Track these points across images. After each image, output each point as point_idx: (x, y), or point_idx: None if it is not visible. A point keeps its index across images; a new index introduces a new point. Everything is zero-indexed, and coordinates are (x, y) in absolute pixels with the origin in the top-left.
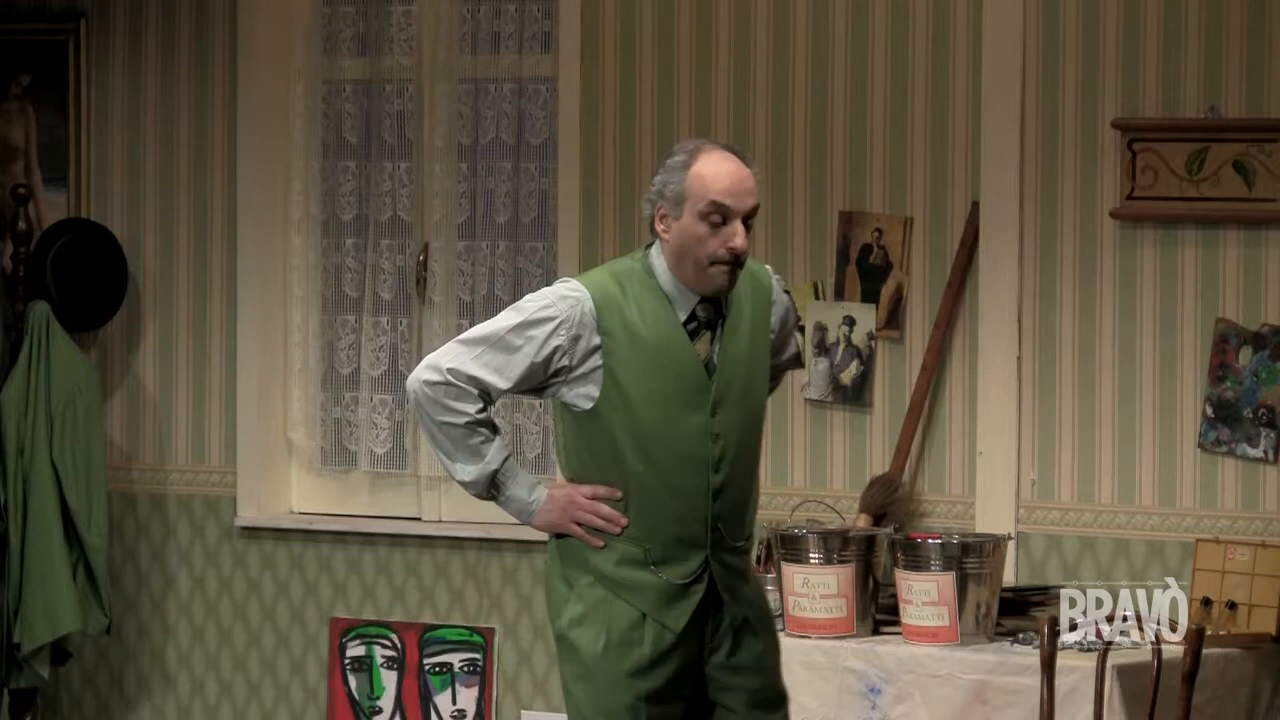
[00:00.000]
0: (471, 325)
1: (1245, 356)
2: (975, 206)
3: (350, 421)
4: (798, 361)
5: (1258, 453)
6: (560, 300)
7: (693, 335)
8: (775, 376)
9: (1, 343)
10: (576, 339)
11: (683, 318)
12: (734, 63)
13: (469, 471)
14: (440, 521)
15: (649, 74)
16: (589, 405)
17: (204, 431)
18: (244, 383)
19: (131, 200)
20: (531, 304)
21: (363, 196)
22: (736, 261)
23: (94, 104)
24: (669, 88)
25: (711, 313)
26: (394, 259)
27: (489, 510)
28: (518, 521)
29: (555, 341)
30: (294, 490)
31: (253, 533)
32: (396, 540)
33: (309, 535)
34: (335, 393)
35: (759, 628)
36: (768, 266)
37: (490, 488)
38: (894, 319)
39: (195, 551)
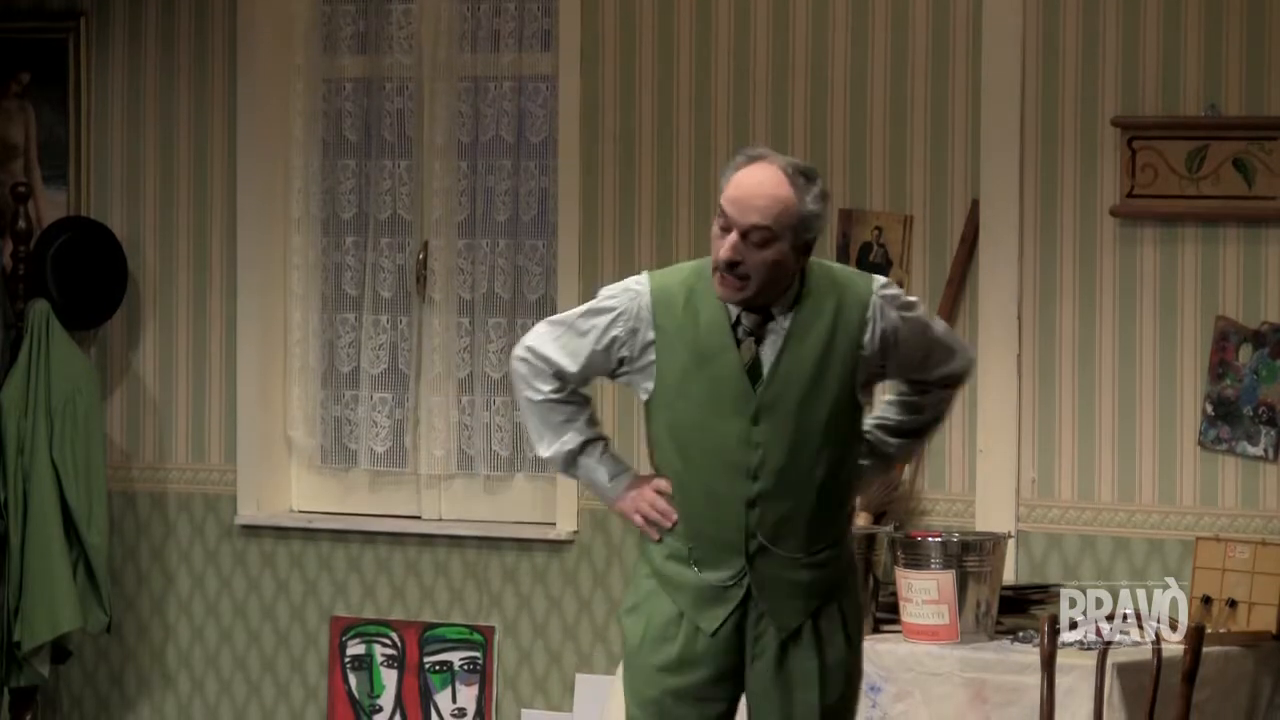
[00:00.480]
0: (471, 324)
1: (1245, 354)
2: (975, 204)
3: (350, 420)
4: (953, 379)
5: (1258, 451)
6: (624, 292)
7: (740, 340)
8: (922, 392)
9: (1, 341)
10: (634, 331)
11: (734, 317)
12: (734, 61)
13: (548, 448)
14: (440, 520)
15: (649, 72)
16: (645, 398)
17: (204, 430)
18: (244, 381)
19: (131, 198)
20: (604, 292)
21: (363, 195)
22: (733, 271)
23: (94, 102)
24: (669, 86)
25: (755, 321)
26: (394, 257)
27: (489, 509)
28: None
29: (614, 332)
30: (294, 489)
31: (253, 531)
32: (396, 539)
33: (309, 534)
34: (335, 391)
35: (819, 648)
36: (880, 280)
37: (569, 466)
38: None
39: (195, 550)
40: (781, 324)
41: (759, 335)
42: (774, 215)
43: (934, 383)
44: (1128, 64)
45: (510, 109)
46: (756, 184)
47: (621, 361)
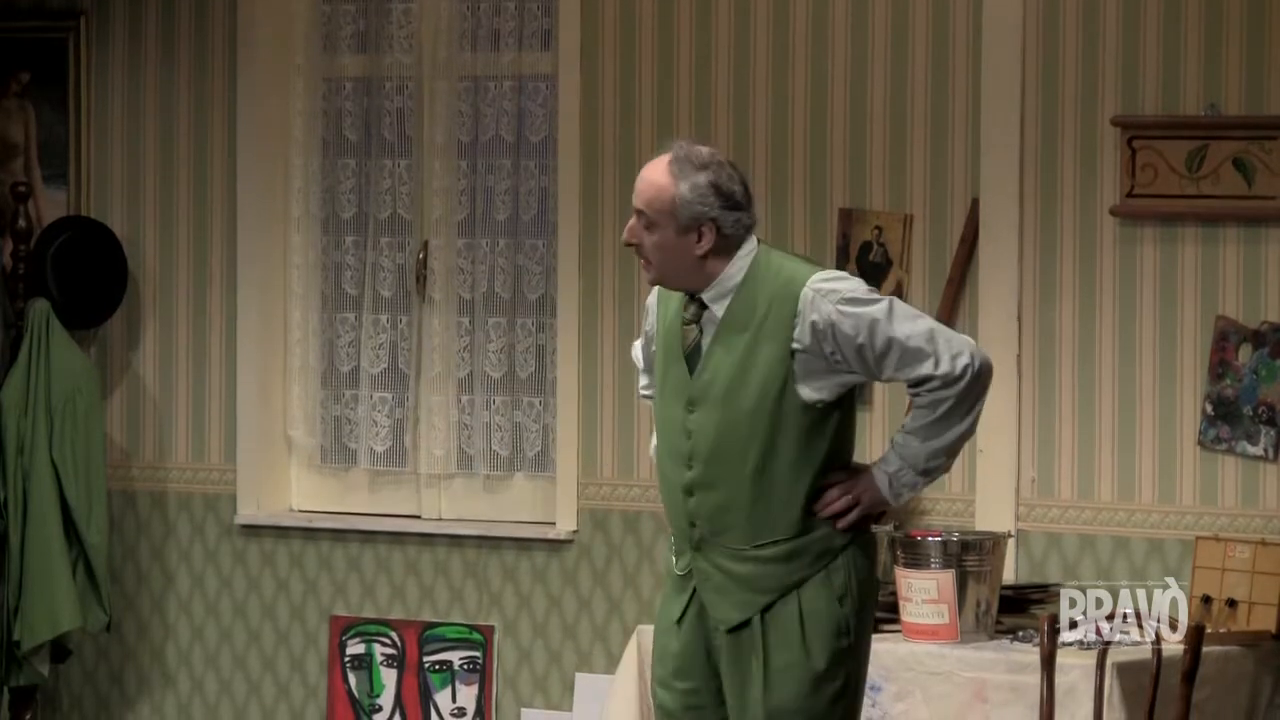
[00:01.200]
0: (471, 323)
1: (1245, 354)
2: (975, 204)
3: (350, 419)
4: (926, 382)
5: (1257, 450)
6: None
7: (685, 324)
8: (912, 394)
9: (1, 341)
10: (652, 315)
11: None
12: (734, 60)
13: None
14: (440, 519)
15: (649, 71)
16: None
17: (204, 429)
18: (244, 380)
19: (131, 198)
20: None
21: (363, 194)
22: (637, 254)
23: (94, 101)
24: (668, 85)
25: (694, 311)
26: (394, 257)
27: (489, 508)
28: None
29: (646, 327)
30: (294, 488)
31: (252, 530)
32: (396, 538)
33: (309, 533)
34: (335, 390)
35: (765, 647)
36: (823, 274)
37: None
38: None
39: (195, 549)
40: (715, 313)
41: (698, 323)
42: (647, 200)
43: (911, 384)
44: (1128, 63)
45: (510, 108)
46: (645, 172)
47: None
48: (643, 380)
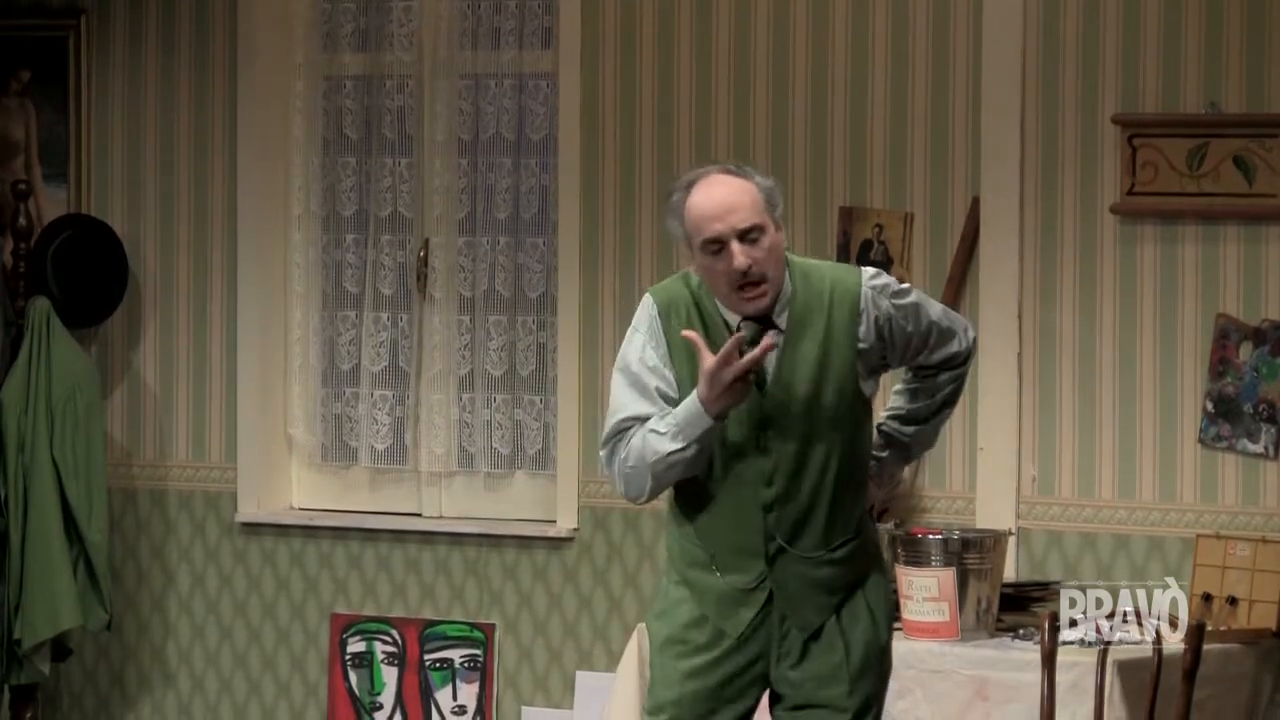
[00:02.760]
0: (472, 321)
1: (1245, 352)
2: (975, 202)
3: (351, 417)
4: (955, 361)
5: (1258, 448)
6: (640, 314)
7: (741, 351)
8: (926, 377)
9: (2, 339)
10: (657, 347)
11: (734, 323)
12: (734, 58)
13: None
14: (441, 517)
15: (649, 70)
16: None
17: (204, 427)
18: (244, 379)
19: (131, 196)
20: (627, 339)
21: (363, 192)
22: (750, 279)
23: (94, 100)
24: (669, 83)
25: (755, 330)
26: (394, 255)
27: (489, 506)
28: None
29: (650, 353)
30: (294, 486)
31: (253, 529)
32: (397, 536)
33: (309, 531)
34: (336, 389)
35: (845, 641)
36: (869, 271)
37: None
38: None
39: (196, 548)
40: (779, 326)
41: (757, 340)
42: (749, 207)
43: (936, 365)
44: (1128, 61)
45: (511, 106)
46: (723, 193)
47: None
48: (658, 425)
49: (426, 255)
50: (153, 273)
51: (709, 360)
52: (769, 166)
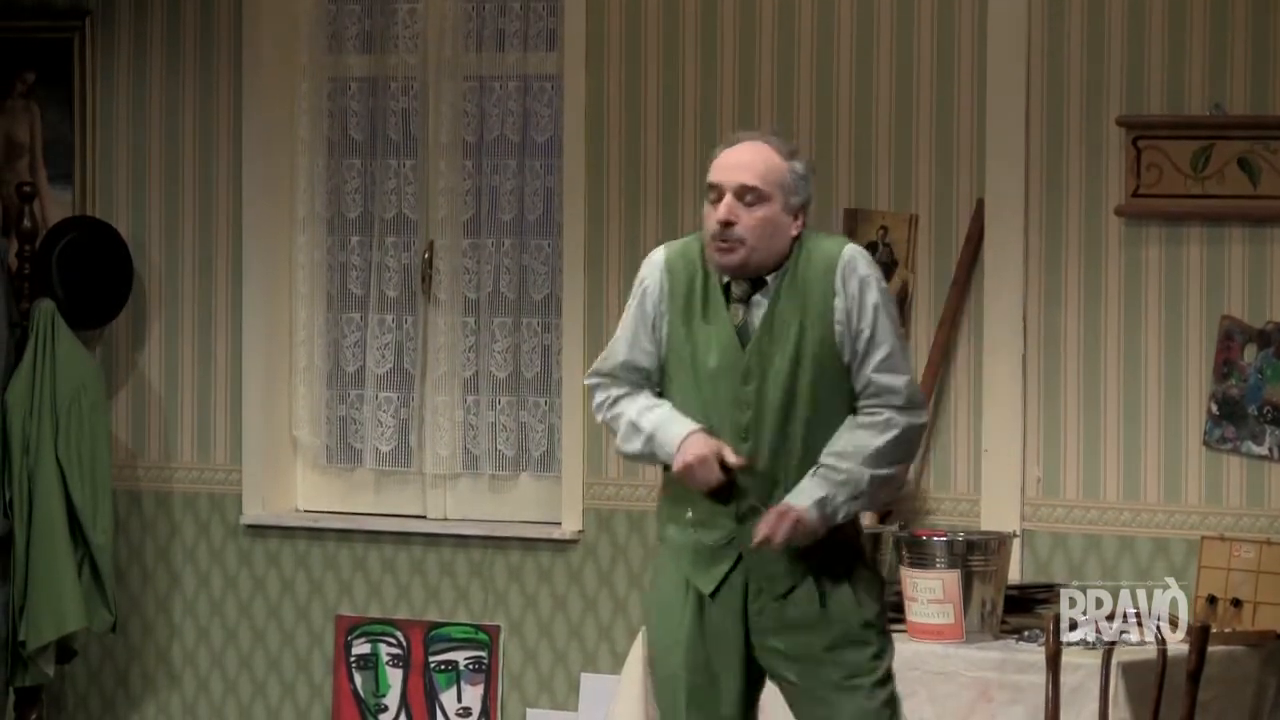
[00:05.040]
0: (477, 323)
1: (1250, 354)
2: (980, 204)
3: (355, 419)
4: (889, 392)
5: (1262, 450)
6: (646, 265)
7: (730, 302)
8: (861, 408)
9: (7, 340)
10: (658, 299)
11: (725, 281)
12: (739, 61)
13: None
14: (445, 519)
15: (654, 71)
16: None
17: (209, 429)
18: (249, 380)
19: (136, 198)
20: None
21: (368, 194)
22: (726, 236)
23: (99, 101)
24: (674, 85)
25: (745, 289)
26: (399, 256)
27: (494, 508)
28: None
29: (648, 305)
30: (299, 488)
31: (258, 530)
32: (402, 538)
33: (314, 533)
34: (340, 390)
35: (821, 596)
36: (851, 247)
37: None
38: (899, 316)
39: (200, 549)
40: (769, 290)
41: (748, 300)
42: (761, 174)
43: (874, 392)
44: (1133, 63)
45: (515, 108)
46: (739, 152)
47: (655, 330)
48: (641, 358)
49: (431, 257)
50: (157, 274)
51: (700, 449)
52: None
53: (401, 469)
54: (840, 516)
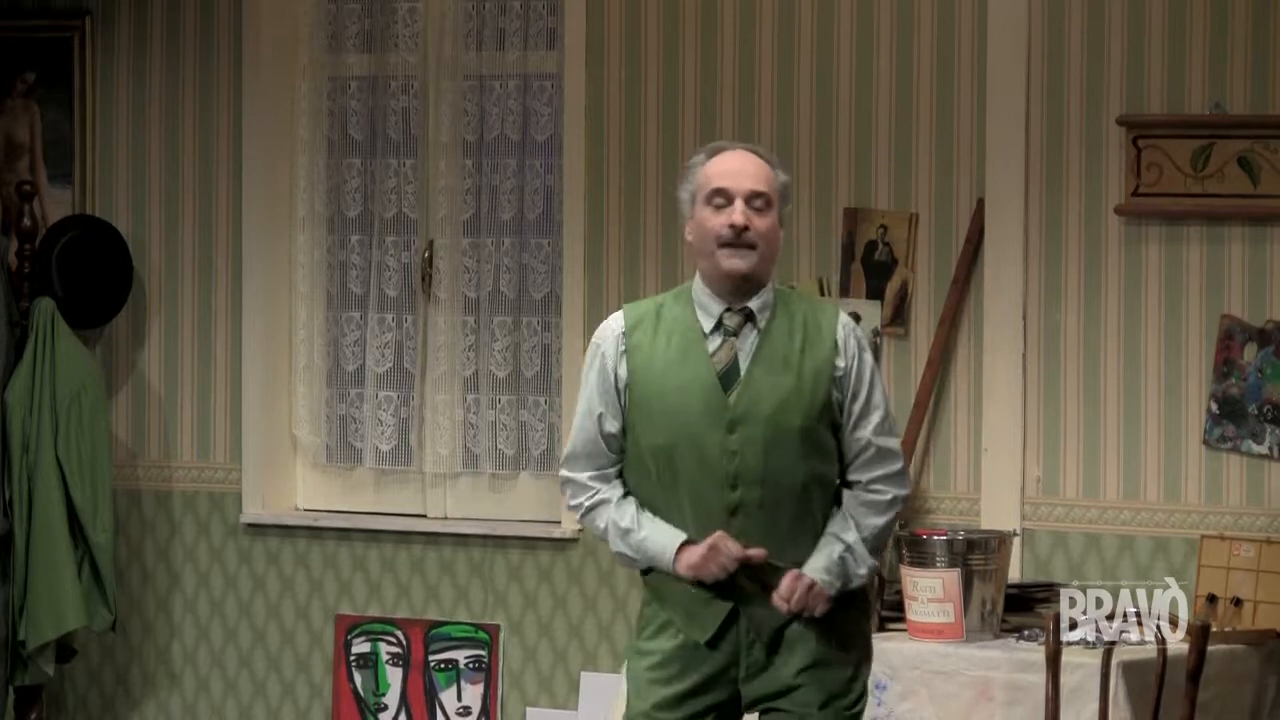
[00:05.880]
0: (476, 322)
1: (1250, 353)
2: (980, 203)
3: (355, 418)
4: (888, 478)
5: (1263, 449)
6: (601, 331)
7: (716, 349)
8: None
9: (6, 339)
10: (618, 356)
11: (709, 326)
12: (739, 59)
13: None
14: (445, 518)
15: (654, 70)
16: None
17: (209, 428)
18: (249, 379)
19: (136, 197)
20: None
21: (368, 193)
22: (740, 240)
23: (99, 101)
24: (674, 84)
25: (739, 321)
26: (399, 256)
27: (494, 507)
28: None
29: (608, 366)
30: (299, 487)
31: (258, 529)
32: (402, 537)
33: (314, 532)
34: (340, 389)
35: (808, 651)
36: (845, 316)
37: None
38: (899, 316)
39: (200, 548)
40: (759, 324)
41: (740, 333)
42: (767, 181)
43: (872, 455)
44: (1133, 62)
45: (515, 107)
46: (742, 160)
47: (620, 392)
48: (612, 426)
49: (431, 256)
50: (157, 273)
51: (705, 551)
52: None
53: (401, 468)
54: (843, 590)
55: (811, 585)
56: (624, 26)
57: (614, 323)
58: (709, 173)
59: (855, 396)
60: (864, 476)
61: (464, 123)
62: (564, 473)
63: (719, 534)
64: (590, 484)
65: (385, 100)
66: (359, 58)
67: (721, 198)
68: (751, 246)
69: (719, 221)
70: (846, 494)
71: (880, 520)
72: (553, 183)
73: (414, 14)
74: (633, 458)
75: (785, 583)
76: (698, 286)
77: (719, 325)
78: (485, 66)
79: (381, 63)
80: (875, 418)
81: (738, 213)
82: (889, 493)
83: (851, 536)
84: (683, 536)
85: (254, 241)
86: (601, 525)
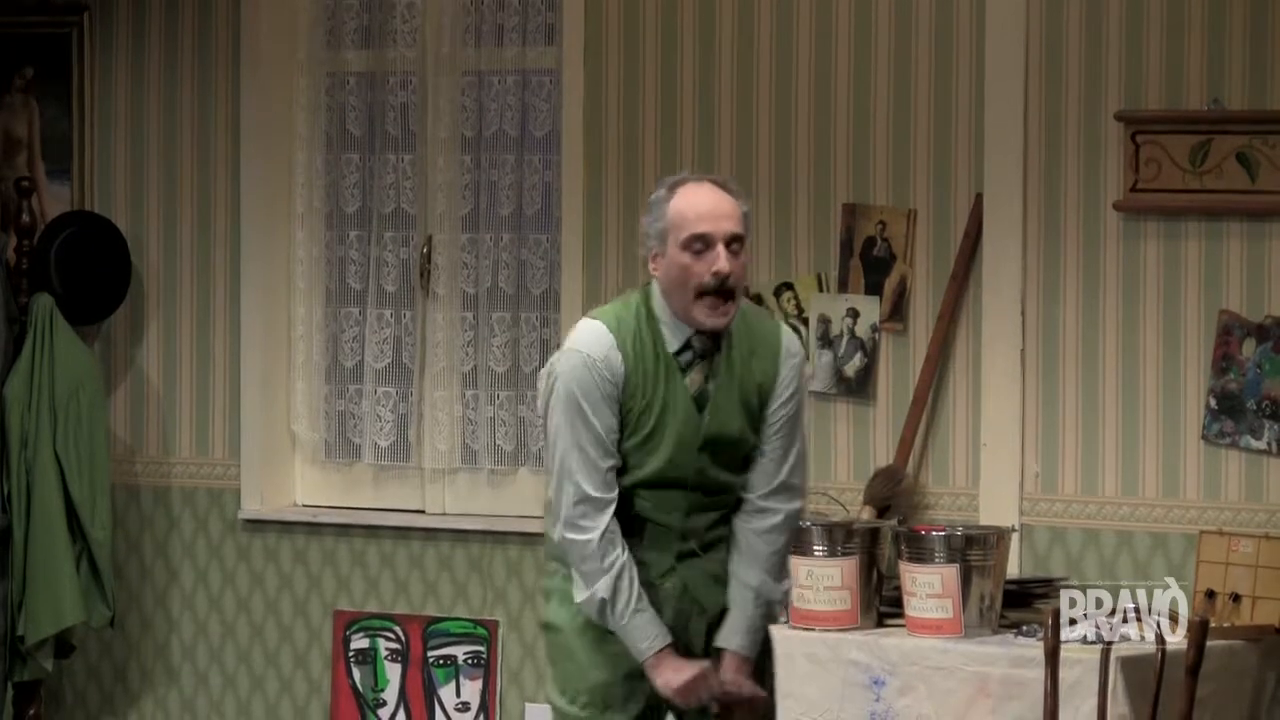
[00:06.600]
0: (475, 318)
1: (1249, 348)
2: (979, 199)
3: (354, 414)
4: (791, 488)
5: (1261, 445)
6: (587, 335)
7: (685, 367)
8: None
9: (5, 336)
10: (614, 372)
11: (675, 347)
12: (737, 55)
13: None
14: (444, 514)
15: (652, 66)
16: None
17: (208, 424)
18: (248, 375)
19: (135, 193)
20: (562, 368)
21: (366, 189)
22: (723, 289)
23: (97, 97)
24: (672, 80)
25: (707, 343)
26: (398, 252)
27: (493, 503)
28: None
29: (607, 385)
30: (298, 483)
31: (256, 525)
32: (400, 533)
33: (313, 528)
34: (339, 385)
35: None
36: (793, 340)
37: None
38: (898, 311)
39: (199, 544)
40: (719, 349)
41: (709, 356)
42: (741, 221)
43: (778, 491)
44: (1131, 58)
45: (514, 103)
46: (716, 198)
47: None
48: (608, 463)
49: (430, 252)
50: (156, 269)
51: (688, 676)
52: (772, 163)
53: (400, 464)
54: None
55: (749, 669)
56: (622, 22)
57: (599, 334)
58: (685, 215)
59: (784, 418)
60: (757, 489)
61: (462, 118)
62: (570, 534)
63: (708, 665)
64: (613, 537)
65: (384, 96)
66: (357, 53)
67: (700, 243)
68: (731, 295)
69: (700, 269)
70: (740, 525)
71: (783, 541)
72: (551, 178)
73: (412, 9)
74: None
75: (730, 679)
76: (660, 305)
77: (687, 346)
78: (484, 62)
79: (380, 58)
80: (797, 448)
81: (722, 260)
82: (777, 512)
83: (758, 578)
84: (665, 641)
85: (252, 237)
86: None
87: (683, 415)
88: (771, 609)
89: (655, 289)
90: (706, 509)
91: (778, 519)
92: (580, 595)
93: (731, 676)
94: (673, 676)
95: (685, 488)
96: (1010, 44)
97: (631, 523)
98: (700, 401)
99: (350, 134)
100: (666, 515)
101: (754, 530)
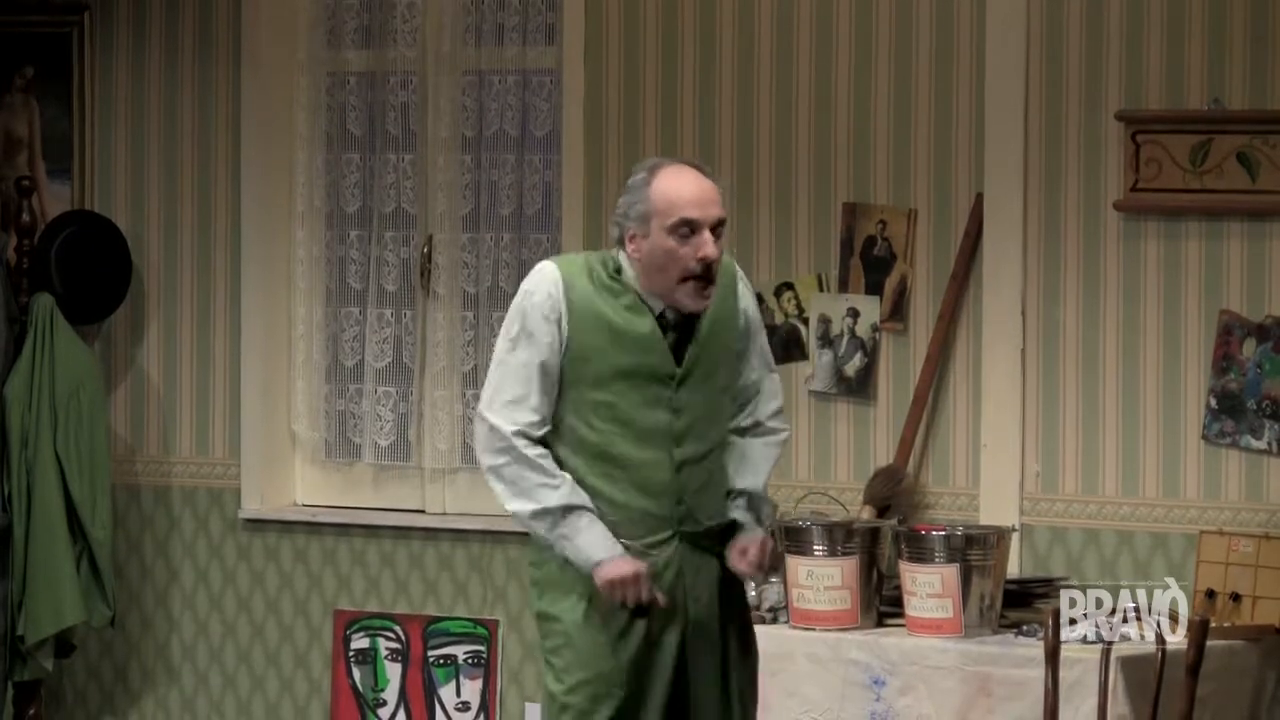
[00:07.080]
0: (475, 317)
1: (1249, 348)
2: (979, 198)
3: (354, 414)
4: (776, 415)
5: (1261, 444)
6: (535, 276)
7: (663, 327)
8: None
9: (5, 335)
10: (557, 310)
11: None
12: (738, 54)
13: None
14: (444, 514)
15: (653, 66)
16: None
17: (208, 424)
18: (248, 375)
19: (135, 193)
20: (515, 304)
21: (367, 189)
22: (708, 274)
23: (98, 96)
24: (673, 80)
25: (680, 318)
26: (398, 251)
27: (493, 503)
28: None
29: (549, 318)
30: (298, 482)
31: (257, 525)
32: (401, 532)
33: (313, 527)
34: (339, 385)
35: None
36: (733, 262)
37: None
38: (898, 311)
39: (199, 544)
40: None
41: (681, 328)
42: (722, 205)
43: (764, 388)
44: (1131, 57)
45: (514, 103)
46: (697, 182)
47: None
48: (537, 402)
49: (430, 251)
50: (156, 269)
51: (622, 571)
52: (773, 163)
53: (400, 463)
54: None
55: (771, 544)
56: (623, 21)
57: (547, 270)
58: (672, 200)
59: (754, 338)
60: (763, 414)
61: (463, 118)
62: (498, 421)
63: (648, 565)
64: (541, 432)
65: (384, 95)
66: (358, 53)
67: (687, 228)
68: (714, 280)
69: (687, 254)
70: (748, 441)
71: (773, 462)
72: (551, 178)
73: (413, 9)
74: (575, 409)
75: (752, 550)
76: (631, 278)
77: (660, 317)
78: (484, 62)
79: (380, 58)
80: (760, 341)
81: (709, 246)
82: (784, 431)
83: (759, 483)
84: (616, 550)
85: (253, 237)
86: (513, 477)
87: (649, 354)
88: (768, 511)
89: (623, 259)
90: (700, 460)
91: (784, 435)
92: (524, 505)
93: (752, 551)
94: (612, 569)
95: (672, 440)
96: (1011, 44)
97: (624, 493)
98: (677, 353)
99: (350, 133)
100: (657, 469)
101: (764, 443)
